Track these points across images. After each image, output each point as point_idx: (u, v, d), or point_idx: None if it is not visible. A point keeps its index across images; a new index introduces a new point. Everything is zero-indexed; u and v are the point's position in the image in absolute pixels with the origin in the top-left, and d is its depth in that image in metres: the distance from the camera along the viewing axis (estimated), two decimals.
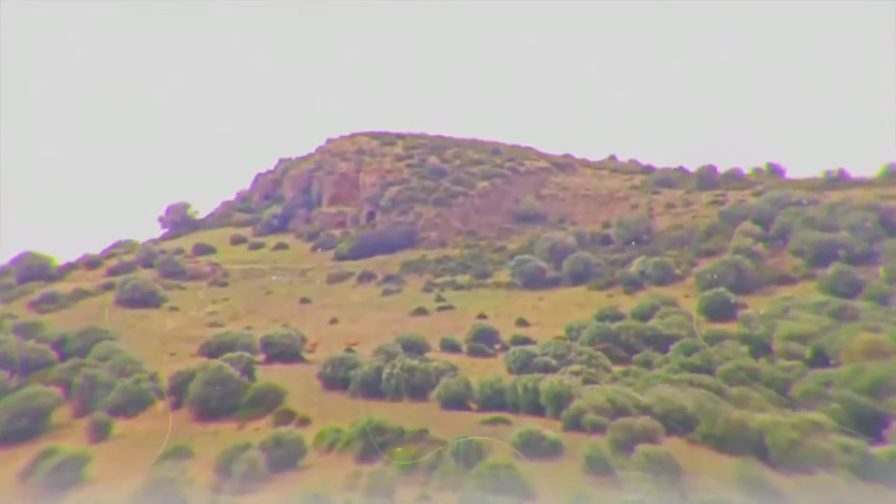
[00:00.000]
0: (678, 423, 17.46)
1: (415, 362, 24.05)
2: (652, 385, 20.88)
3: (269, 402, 21.23)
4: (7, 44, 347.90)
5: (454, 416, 19.60)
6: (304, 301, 51.14)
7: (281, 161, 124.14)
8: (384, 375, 22.93)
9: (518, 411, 20.39)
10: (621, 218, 65.20)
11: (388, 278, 59.80)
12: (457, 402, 21.01)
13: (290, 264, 71.20)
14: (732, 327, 32.61)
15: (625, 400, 18.63)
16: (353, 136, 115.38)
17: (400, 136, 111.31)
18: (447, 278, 58.63)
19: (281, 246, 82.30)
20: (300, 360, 31.47)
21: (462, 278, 58.15)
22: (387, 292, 54.31)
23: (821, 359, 25.75)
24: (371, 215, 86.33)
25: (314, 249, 78.54)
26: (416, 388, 22.49)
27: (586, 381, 21.38)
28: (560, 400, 19.37)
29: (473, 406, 21.12)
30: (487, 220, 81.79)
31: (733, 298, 38.70)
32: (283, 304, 50.46)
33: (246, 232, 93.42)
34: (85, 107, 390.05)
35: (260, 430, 19.18)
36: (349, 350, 31.02)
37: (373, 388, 22.97)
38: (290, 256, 76.85)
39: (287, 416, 19.99)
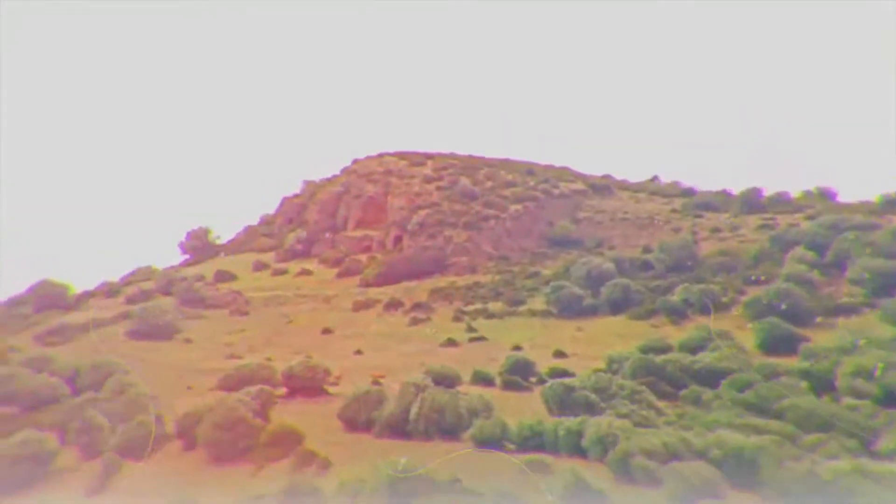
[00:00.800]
0: (739, 471, 16.27)
1: (445, 396, 23.05)
2: (707, 425, 19.67)
3: (288, 443, 20.39)
4: (23, 60, 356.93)
5: (489, 460, 18.53)
6: (327, 331, 50.40)
7: (305, 183, 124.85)
8: (412, 415, 21.94)
9: (558, 452, 19.31)
10: (664, 242, 63.72)
11: (416, 306, 58.94)
12: (492, 443, 19.98)
13: (313, 291, 70.73)
14: (791, 361, 31.13)
15: (677, 443, 17.51)
16: (381, 156, 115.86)
17: (429, 157, 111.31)
18: (478, 306, 57.64)
19: (305, 272, 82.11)
20: (324, 393, 30.63)
21: (494, 306, 57.07)
22: (414, 321, 53.38)
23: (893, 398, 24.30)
24: (398, 239, 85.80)
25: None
26: (448, 428, 21.51)
27: (636, 424, 20.21)
28: (605, 443, 18.29)
29: (510, 446, 20.05)
30: (520, 245, 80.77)
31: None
32: (306, 334, 49.79)
33: (268, 258, 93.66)
34: (102, 131, 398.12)
35: (278, 474, 18.34)
36: (375, 383, 30.16)
37: (400, 428, 22.02)
38: (314, 283, 76.50)
39: (308, 458, 19.11)
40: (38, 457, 21.03)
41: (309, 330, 51.45)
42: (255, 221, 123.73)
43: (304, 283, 77.08)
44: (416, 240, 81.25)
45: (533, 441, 19.80)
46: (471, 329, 48.03)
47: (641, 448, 17.14)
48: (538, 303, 55.63)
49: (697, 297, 47.05)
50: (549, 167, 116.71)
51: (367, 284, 71.44)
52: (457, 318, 53.20)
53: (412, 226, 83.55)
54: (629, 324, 46.97)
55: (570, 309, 51.63)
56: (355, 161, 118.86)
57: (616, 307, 51.09)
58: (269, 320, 56.82)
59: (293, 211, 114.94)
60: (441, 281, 69.70)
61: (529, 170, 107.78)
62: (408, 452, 18.38)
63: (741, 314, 43.91)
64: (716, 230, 72.27)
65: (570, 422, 19.71)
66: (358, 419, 23.30)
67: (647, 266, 62.79)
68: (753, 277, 50.70)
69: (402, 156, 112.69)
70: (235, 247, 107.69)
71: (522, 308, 55.44)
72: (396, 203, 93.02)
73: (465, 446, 20.15)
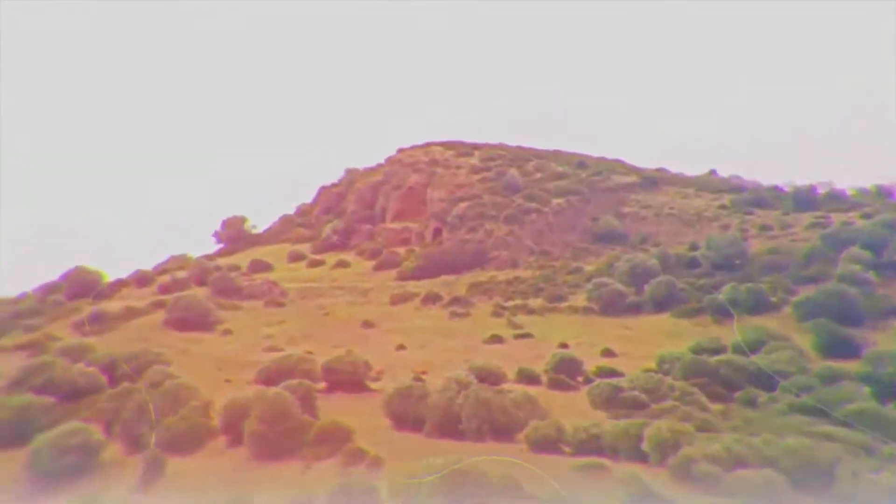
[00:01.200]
0: (812, 481, 15.68)
1: (489, 393, 22.66)
2: (775, 430, 19.06)
3: (336, 440, 20.06)
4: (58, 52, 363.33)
5: (544, 462, 18.12)
6: (368, 325, 50.15)
7: (347, 172, 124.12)
8: (464, 414, 21.54)
9: (616, 456, 18.85)
10: (710, 239, 62.49)
11: (455, 300, 58.58)
12: (547, 444, 19.58)
13: (350, 283, 70.71)
14: (852, 365, 30.28)
15: (743, 449, 16.96)
16: (427, 145, 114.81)
17: (477, 147, 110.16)
18: (518, 301, 57.23)
19: (341, 264, 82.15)
20: (365, 388, 30.37)
21: (534, 302, 56.64)
22: (453, 315, 53.04)
23: None
24: (437, 232, 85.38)
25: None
26: (501, 428, 21.12)
27: (699, 429, 19.63)
28: (666, 447, 17.78)
29: (567, 449, 19.63)
30: (562, 239, 79.90)
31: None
32: (345, 328, 49.60)
33: (305, 248, 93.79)
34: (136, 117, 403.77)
35: (328, 472, 18.09)
36: (417, 379, 29.84)
37: (452, 427, 21.65)
38: (351, 275, 76.49)
39: (357, 456, 18.80)
40: (84, 448, 20.89)
41: (348, 323, 51.31)
42: (291, 211, 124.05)
43: (340, 274, 77.13)
44: (456, 233, 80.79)
45: (589, 444, 19.37)
46: (515, 325, 47.62)
47: (705, 453, 16.64)
48: (580, 299, 55.08)
49: (745, 296, 46.09)
50: (602, 159, 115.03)
51: (405, 278, 71.26)
52: (496, 314, 52.82)
53: (452, 218, 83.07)
54: (675, 322, 46.25)
55: (612, 306, 51.04)
56: (400, 150, 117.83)
57: (660, 305, 50.36)
58: (307, 312, 56.80)
59: (331, 201, 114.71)
60: (481, 275, 69.27)
61: (581, 161, 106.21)
62: (458, 453, 18.04)
63: (791, 314, 43.10)
64: (766, 228, 70.99)
65: (628, 423, 19.22)
66: (406, 417, 23.02)
67: (693, 263, 61.76)
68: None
69: (448, 146, 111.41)
70: (271, 237, 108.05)
71: (563, 304, 54.93)
72: (436, 195, 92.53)
73: (518, 448, 19.80)
